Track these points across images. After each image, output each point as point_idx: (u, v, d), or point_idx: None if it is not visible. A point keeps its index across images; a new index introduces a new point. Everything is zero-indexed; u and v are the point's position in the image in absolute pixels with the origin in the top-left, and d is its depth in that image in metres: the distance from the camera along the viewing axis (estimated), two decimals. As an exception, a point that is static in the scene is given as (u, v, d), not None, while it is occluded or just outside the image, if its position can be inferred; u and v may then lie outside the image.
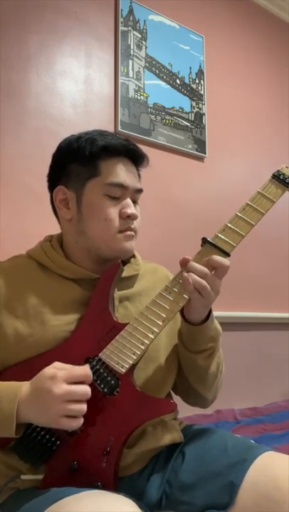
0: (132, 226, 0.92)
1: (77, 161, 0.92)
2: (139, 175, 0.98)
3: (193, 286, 0.81)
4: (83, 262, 0.93)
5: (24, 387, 0.77)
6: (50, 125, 1.76)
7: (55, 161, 0.97)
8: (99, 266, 0.93)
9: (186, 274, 0.82)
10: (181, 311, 0.88)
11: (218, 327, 0.93)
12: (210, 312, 0.89)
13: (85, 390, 0.74)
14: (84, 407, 0.74)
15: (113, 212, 0.90)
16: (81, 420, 0.74)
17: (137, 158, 0.95)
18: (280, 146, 2.63)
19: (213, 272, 0.83)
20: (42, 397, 0.73)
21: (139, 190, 0.95)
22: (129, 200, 0.92)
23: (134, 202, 0.95)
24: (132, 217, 0.91)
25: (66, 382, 0.73)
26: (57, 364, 0.77)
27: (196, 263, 0.83)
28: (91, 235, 0.91)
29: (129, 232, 0.91)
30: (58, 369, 0.75)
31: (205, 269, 0.82)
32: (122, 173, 0.91)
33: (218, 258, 0.82)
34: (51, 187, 0.97)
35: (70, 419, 0.73)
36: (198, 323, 0.87)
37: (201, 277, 0.81)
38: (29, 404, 0.75)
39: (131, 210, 0.90)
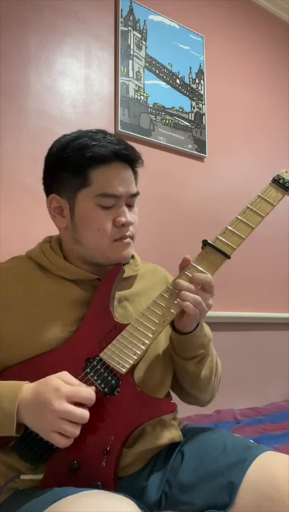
0: (128, 233, 0.90)
1: (68, 171, 0.89)
2: (135, 176, 0.94)
3: (191, 305, 0.81)
4: (81, 265, 0.93)
5: (26, 387, 0.77)
6: (50, 125, 1.76)
7: (46, 167, 0.94)
8: (97, 268, 0.93)
9: (180, 296, 0.82)
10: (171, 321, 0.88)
11: (209, 333, 0.94)
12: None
13: (84, 414, 0.73)
14: (77, 430, 0.73)
15: (106, 221, 0.88)
16: (71, 441, 0.74)
17: (130, 161, 0.91)
18: (281, 146, 2.63)
19: (200, 287, 0.84)
20: (41, 406, 0.73)
21: (135, 195, 0.92)
22: (123, 208, 0.89)
23: (130, 206, 0.92)
24: (126, 225, 0.89)
25: (68, 399, 0.73)
26: (64, 374, 0.77)
27: (191, 275, 0.84)
28: (86, 244, 0.90)
29: (125, 240, 0.90)
30: (64, 381, 0.75)
31: (191, 287, 0.83)
32: (113, 181, 0.87)
33: (199, 276, 0.83)
34: (46, 192, 0.95)
35: (61, 437, 0.73)
36: (187, 333, 0.88)
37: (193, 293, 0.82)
38: (28, 407, 0.75)
39: (125, 218, 0.88)
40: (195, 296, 0.82)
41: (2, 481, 0.82)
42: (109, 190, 0.87)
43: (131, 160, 0.91)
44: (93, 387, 0.78)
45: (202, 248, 0.86)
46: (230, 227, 0.86)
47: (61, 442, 0.73)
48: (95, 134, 0.90)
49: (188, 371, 0.93)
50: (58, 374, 0.77)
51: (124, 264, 0.94)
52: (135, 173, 0.94)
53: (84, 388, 0.76)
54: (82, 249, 0.91)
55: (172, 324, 0.89)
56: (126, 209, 0.89)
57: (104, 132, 0.92)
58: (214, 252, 0.85)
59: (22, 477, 0.81)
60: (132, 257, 1.00)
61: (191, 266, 0.85)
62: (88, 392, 0.75)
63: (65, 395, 0.73)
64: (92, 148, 0.86)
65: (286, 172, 0.90)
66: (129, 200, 0.91)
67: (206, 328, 0.93)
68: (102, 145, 0.87)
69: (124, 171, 0.90)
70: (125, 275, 0.95)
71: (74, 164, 0.87)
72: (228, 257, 0.85)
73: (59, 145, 0.92)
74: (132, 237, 0.92)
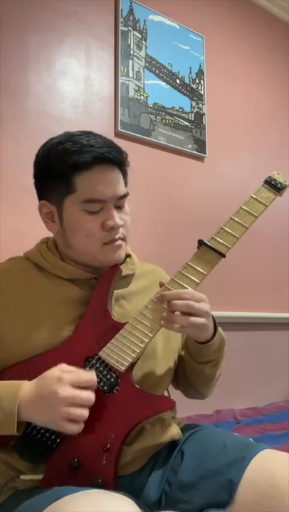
0: (117, 236, 0.89)
1: (53, 178, 0.89)
2: (124, 176, 0.93)
3: (180, 325, 0.81)
4: (77, 265, 0.93)
5: (26, 385, 0.78)
6: (50, 125, 1.76)
7: (34, 173, 0.93)
8: (91, 269, 0.93)
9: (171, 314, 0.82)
10: None
11: (223, 336, 0.94)
12: (215, 328, 0.90)
13: (90, 396, 0.75)
14: (86, 412, 0.74)
15: (94, 226, 0.87)
16: (82, 426, 0.74)
17: (115, 163, 0.89)
18: (280, 146, 2.63)
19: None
20: (46, 398, 0.73)
21: (123, 196, 0.91)
22: (111, 211, 0.88)
23: (120, 207, 0.91)
24: (115, 228, 0.88)
25: (72, 385, 0.74)
26: (63, 366, 0.77)
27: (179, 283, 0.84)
28: (77, 249, 0.90)
29: (116, 243, 0.89)
30: (64, 371, 0.76)
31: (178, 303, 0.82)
32: (98, 186, 0.86)
33: (177, 303, 0.81)
34: (38, 197, 0.95)
35: (71, 423, 0.73)
36: (205, 341, 0.89)
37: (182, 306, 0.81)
38: (31, 403, 0.75)
39: (113, 221, 0.87)
40: (183, 316, 0.81)
41: (2, 481, 0.82)
42: (94, 196, 0.86)
43: (115, 162, 0.89)
44: (93, 371, 0.79)
45: (198, 248, 0.88)
46: (224, 227, 0.88)
47: (73, 428, 0.73)
48: (79, 137, 0.88)
49: (204, 374, 0.95)
50: (57, 366, 0.77)
51: (120, 264, 0.95)
52: (124, 173, 0.93)
53: (84, 372, 0.77)
54: (74, 253, 0.92)
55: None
56: (114, 212, 0.88)
57: (88, 134, 0.89)
58: (210, 251, 0.86)
59: (22, 477, 0.81)
60: (129, 256, 1.01)
61: (187, 265, 0.87)
62: (90, 375, 0.76)
63: (68, 382, 0.74)
64: (72, 155, 0.85)
65: (278, 174, 0.92)
66: (118, 202, 0.90)
67: (221, 332, 0.93)
68: (84, 150, 0.85)
69: (110, 173, 0.88)
70: (122, 274, 0.95)
71: (57, 172, 0.87)
72: (223, 256, 0.86)
73: (43, 152, 0.91)
74: (123, 239, 0.91)
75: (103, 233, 0.88)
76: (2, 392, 0.77)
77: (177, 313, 0.81)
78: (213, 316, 0.88)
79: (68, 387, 0.73)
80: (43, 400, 0.74)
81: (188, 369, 0.98)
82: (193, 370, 0.96)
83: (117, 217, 0.88)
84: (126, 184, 0.94)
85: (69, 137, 0.89)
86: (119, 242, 0.90)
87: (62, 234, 0.91)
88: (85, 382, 0.75)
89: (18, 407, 0.75)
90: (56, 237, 0.95)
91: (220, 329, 0.93)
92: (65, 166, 0.86)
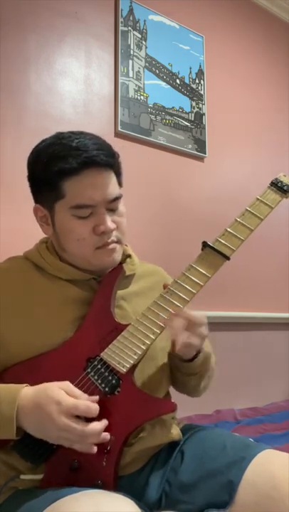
0: (110, 240, 0.88)
1: (42, 183, 0.88)
2: (117, 176, 0.91)
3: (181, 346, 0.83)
4: (74, 267, 0.93)
5: (25, 392, 0.77)
6: (50, 125, 1.76)
7: (28, 177, 0.92)
8: (89, 270, 0.93)
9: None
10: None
11: (207, 351, 0.93)
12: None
13: (82, 430, 0.72)
14: (83, 434, 0.72)
15: (85, 231, 0.86)
16: (83, 444, 0.74)
17: (104, 166, 0.86)
18: (280, 146, 2.63)
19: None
20: (42, 418, 0.73)
21: (115, 199, 0.88)
22: (102, 216, 0.86)
23: (113, 210, 0.89)
24: (106, 233, 0.86)
25: (68, 414, 0.72)
26: (67, 385, 0.76)
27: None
28: (70, 253, 0.90)
29: (109, 247, 0.88)
30: (66, 392, 0.74)
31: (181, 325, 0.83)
32: (87, 191, 0.84)
33: (195, 317, 0.83)
34: (34, 200, 0.94)
35: (69, 442, 0.74)
36: (189, 360, 0.90)
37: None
38: (29, 413, 0.74)
39: (104, 226, 0.85)
40: (185, 336, 0.82)
41: (2, 481, 0.82)
42: (83, 201, 0.85)
43: (103, 164, 0.85)
44: (96, 397, 0.77)
45: (202, 250, 0.87)
46: (229, 229, 0.87)
47: (67, 445, 0.74)
48: (69, 139, 0.86)
49: (188, 384, 0.96)
50: (60, 384, 0.76)
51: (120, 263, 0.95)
52: (116, 173, 0.90)
53: (82, 402, 0.74)
54: (68, 256, 0.91)
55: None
56: (106, 216, 0.86)
57: (79, 135, 0.87)
58: (214, 253, 0.86)
59: (22, 477, 0.81)
60: (129, 256, 1.00)
61: (191, 267, 0.86)
62: (86, 406, 0.73)
63: (65, 410, 0.72)
64: (58, 162, 0.84)
65: (284, 176, 0.92)
66: (110, 205, 0.88)
67: (205, 347, 0.92)
68: (72, 155, 0.83)
69: (99, 177, 0.85)
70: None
71: (46, 178, 0.86)
72: (227, 258, 0.86)
73: (33, 156, 0.90)
74: (117, 242, 0.90)
75: (95, 238, 0.87)
76: (1, 396, 0.77)
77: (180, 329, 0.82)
78: None
79: (64, 417, 0.71)
80: (39, 418, 0.73)
81: (175, 380, 0.98)
82: (178, 380, 0.97)
83: (109, 221, 0.86)
84: (120, 184, 0.92)
85: (59, 139, 0.87)
86: (112, 246, 0.89)
87: (56, 238, 0.92)
88: (82, 413, 0.73)
89: (16, 412, 0.74)
90: (52, 240, 0.95)
91: (204, 346, 0.92)
92: (52, 173, 0.84)
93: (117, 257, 0.91)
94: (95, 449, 0.74)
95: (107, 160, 0.86)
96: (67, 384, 0.76)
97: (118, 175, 0.91)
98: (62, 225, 0.88)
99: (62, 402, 0.72)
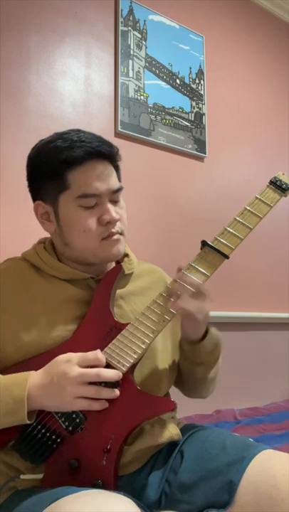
0: (115, 230, 0.89)
1: (46, 176, 0.89)
2: (117, 171, 0.93)
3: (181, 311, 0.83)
4: (74, 265, 0.93)
5: (35, 373, 0.79)
6: (50, 125, 1.76)
7: (27, 174, 0.94)
8: (90, 268, 0.93)
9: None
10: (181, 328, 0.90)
11: (217, 340, 0.94)
12: (207, 328, 0.91)
13: (97, 370, 0.76)
14: (102, 392, 0.76)
15: (91, 221, 0.87)
16: (102, 403, 0.77)
17: (106, 158, 0.89)
18: (280, 146, 2.63)
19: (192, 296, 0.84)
20: (56, 380, 0.75)
21: (117, 190, 0.90)
22: (106, 205, 0.88)
23: (115, 201, 0.91)
24: (112, 222, 0.88)
25: (79, 365, 0.76)
26: (69, 353, 0.79)
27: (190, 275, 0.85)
28: (75, 247, 0.90)
29: (113, 237, 0.89)
30: (70, 355, 0.78)
31: (184, 291, 0.84)
32: (92, 181, 0.86)
33: (190, 280, 0.84)
34: (32, 199, 0.95)
35: (87, 400, 0.75)
36: (197, 341, 0.89)
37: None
38: (42, 389, 0.76)
39: (110, 215, 0.87)
40: (188, 302, 0.83)
41: (2, 481, 0.82)
42: (88, 191, 0.86)
43: (107, 156, 0.89)
44: (98, 350, 0.80)
45: (201, 249, 0.87)
46: (228, 228, 0.87)
47: (84, 405, 0.76)
48: (69, 134, 0.89)
49: (195, 375, 0.95)
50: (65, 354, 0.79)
51: (120, 262, 0.95)
52: (116, 168, 0.93)
53: (89, 352, 0.78)
54: (72, 251, 0.91)
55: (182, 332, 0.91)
56: (110, 206, 0.88)
57: (78, 131, 0.90)
58: (213, 252, 0.86)
59: (22, 477, 0.81)
60: (127, 255, 1.00)
61: (190, 266, 0.86)
62: (93, 353, 0.78)
63: (76, 362, 0.76)
64: (65, 152, 0.86)
65: (283, 174, 0.92)
66: (113, 196, 0.90)
67: (217, 337, 0.94)
68: (75, 146, 0.86)
69: (102, 168, 0.88)
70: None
71: (50, 169, 0.87)
72: (226, 257, 0.86)
73: (34, 152, 0.92)
74: (121, 233, 0.91)
75: (100, 228, 0.88)
76: (12, 381, 0.78)
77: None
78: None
79: (77, 367, 0.75)
80: (53, 384, 0.75)
81: (182, 372, 0.98)
82: (185, 370, 0.97)
83: (113, 211, 0.88)
84: (119, 179, 0.93)
85: (58, 136, 0.90)
86: (117, 237, 0.90)
87: (59, 233, 0.91)
88: (92, 359, 0.77)
89: (28, 394, 0.75)
90: (53, 237, 0.95)
91: (215, 333, 0.93)
92: (56, 163, 0.86)
93: (122, 248, 0.92)
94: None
95: (110, 151, 0.89)
96: (69, 353, 0.79)
97: (117, 169, 0.93)
98: (67, 217, 0.88)
99: (71, 358, 0.77)
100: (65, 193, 0.87)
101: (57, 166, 0.86)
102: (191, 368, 0.95)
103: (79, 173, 0.86)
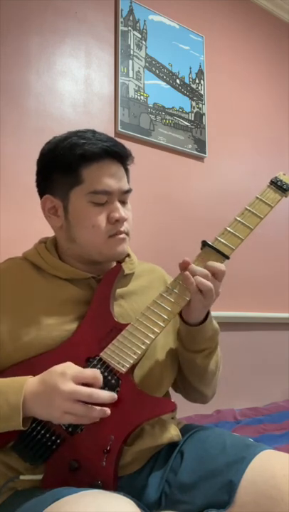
0: (122, 229, 0.90)
1: (59, 170, 0.90)
2: (127, 173, 0.95)
3: (196, 287, 0.82)
4: (76, 264, 0.93)
5: (31, 380, 0.78)
6: (50, 125, 1.76)
7: (39, 168, 0.95)
8: (92, 267, 0.93)
9: (187, 274, 0.83)
10: (180, 313, 0.88)
11: (216, 326, 0.94)
12: (208, 313, 0.90)
13: (90, 391, 0.74)
14: (91, 412, 0.74)
15: (100, 218, 0.88)
16: (92, 419, 0.75)
17: (120, 158, 0.92)
18: (280, 146, 2.63)
19: (211, 276, 0.84)
20: (49, 391, 0.74)
21: (127, 191, 0.93)
22: (116, 204, 0.90)
23: (124, 202, 0.93)
24: (120, 221, 0.89)
25: (74, 380, 0.74)
26: (68, 363, 0.78)
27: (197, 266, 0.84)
28: (81, 242, 0.91)
29: (120, 236, 0.90)
30: (68, 367, 0.76)
31: (206, 271, 0.83)
32: (105, 178, 0.88)
33: (214, 264, 0.84)
34: (40, 194, 0.96)
35: (73, 417, 0.73)
36: (197, 324, 0.88)
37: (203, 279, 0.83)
38: (35, 397, 0.75)
39: (119, 213, 0.89)
40: (204, 281, 0.83)
41: (1, 482, 0.82)
42: (101, 187, 0.88)
43: (121, 157, 0.92)
44: (97, 369, 0.79)
45: (201, 249, 0.87)
46: (229, 228, 0.87)
47: (76, 420, 0.74)
48: (85, 133, 0.91)
49: (196, 364, 0.93)
50: (62, 364, 0.77)
51: (121, 262, 0.95)
52: (126, 170, 0.95)
53: (88, 369, 0.77)
54: (77, 247, 0.92)
55: (181, 317, 0.89)
56: (119, 205, 0.90)
57: (93, 131, 0.93)
58: (213, 252, 0.86)
59: (22, 477, 0.81)
60: (128, 255, 1.01)
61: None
62: (92, 371, 0.76)
63: (70, 377, 0.74)
64: (82, 147, 0.88)
65: (284, 174, 0.91)
66: (122, 196, 0.92)
67: (214, 323, 0.94)
68: (92, 143, 0.88)
69: (115, 167, 0.91)
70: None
71: (65, 163, 0.89)
72: (227, 257, 0.86)
73: (49, 146, 0.93)
74: (126, 233, 0.92)
75: (108, 226, 0.89)
76: (8, 386, 0.78)
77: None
78: None
79: (70, 382, 0.73)
80: (45, 394, 0.74)
81: (182, 362, 0.97)
82: (186, 362, 0.95)
83: (122, 210, 0.90)
84: (128, 181, 0.95)
85: (74, 133, 0.92)
86: (123, 236, 0.91)
87: (66, 228, 0.92)
88: (88, 377, 0.75)
89: (23, 400, 0.75)
90: (58, 234, 0.95)
91: (214, 321, 0.93)
92: (73, 157, 0.87)
93: (126, 248, 0.93)
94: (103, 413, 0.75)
95: (124, 152, 0.92)
96: (68, 363, 0.78)
97: (127, 171, 0.95)
98: (77, 212, 0.89)
99: (67, 371, 0.74)
100: (77, 188, 0.89)
101: (72, 160, 0.88)
102: (192, 358, 0.93)
103: (93, 169, 0.88)
